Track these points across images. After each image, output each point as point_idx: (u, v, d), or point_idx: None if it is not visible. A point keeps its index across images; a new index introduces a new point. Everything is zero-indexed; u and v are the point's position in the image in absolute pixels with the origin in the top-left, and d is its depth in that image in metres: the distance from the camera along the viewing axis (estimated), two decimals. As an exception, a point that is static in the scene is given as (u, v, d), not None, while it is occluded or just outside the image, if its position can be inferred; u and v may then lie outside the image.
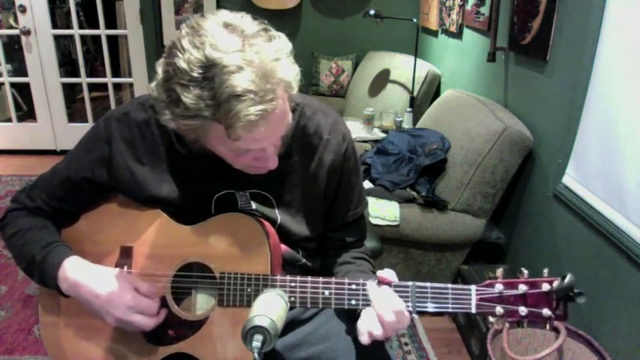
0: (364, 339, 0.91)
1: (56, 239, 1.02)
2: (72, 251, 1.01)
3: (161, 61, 0.83)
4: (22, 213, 1.05)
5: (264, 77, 0.78)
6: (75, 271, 0.97)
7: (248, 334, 0.80)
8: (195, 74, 0.77)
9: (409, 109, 3.11)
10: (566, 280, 0.84)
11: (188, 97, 0.77)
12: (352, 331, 1.04)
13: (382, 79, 3.51)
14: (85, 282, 0.96)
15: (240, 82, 0.76)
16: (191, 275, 1.01)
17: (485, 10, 2.60)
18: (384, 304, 0.91)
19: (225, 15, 0.83)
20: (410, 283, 0.93)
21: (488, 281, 0.90)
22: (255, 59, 0.77)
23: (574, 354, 1.60)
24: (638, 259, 1.42)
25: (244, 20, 0.82)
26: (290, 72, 0.83)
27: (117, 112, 1.03)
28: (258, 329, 0.80)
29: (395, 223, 2.07)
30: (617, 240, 1.50)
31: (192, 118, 0.79)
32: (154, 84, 0.84)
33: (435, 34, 3.51)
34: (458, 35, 3.03)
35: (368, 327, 0.91)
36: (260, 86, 0.77)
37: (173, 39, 0.82)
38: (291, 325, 1.09)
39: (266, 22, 0.84)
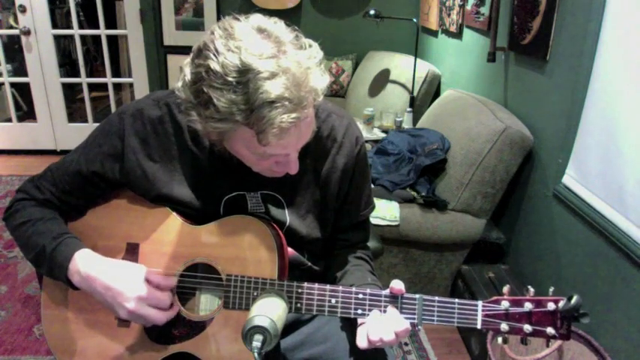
0: (362, 344, 0.90)
1: (67, 231, 1.02)
2: (83, 244, 1.00)
3: (188, 61, 0.82)
4: (31, 203, 1.05)
5: (298, 85, 0.78)
6: (87, 263, 0.96)
7: (248, 334, 0.80)
8: (229, 78, 0.76)
9: (409, 109, 3.11)
10: (573, 301, 0.85)
11: (221, 101, 0.76)
12: (352, 332, 1.04)
13: (382, 79, 3.51)
14: (97, 275, 0.95)
15: (275, 89, 0.75)
16: (197, 276, 1.01)
17: (485, 10, 2.60)
18: (385, 325, 0.89)
19: (259, 19, 0.82)
20: (417, 296, 0.92)
21: (494, 298, 0.90)
22: (290, 67, 0.77)
23: (574, 354, 1.61)
24: (638, 259, 1.42)
25: (278, 26, 0.82)
26: (320, 81, 0.83)
27: (131, 107, 1.02)
28: (258, 329, 0.80)
29: (395, 223, 2.07)
30: (617, 240, 1.50)
31: (222, 121, 0.79)
32: (179, 84, 0.83)
33: (435, 34, 3.51)
34: (458, 35, 3.03)
35: (370, 334, 0.90)
36: (294, 94, 0.77)
37: (204, 39, 0.80)
38: (292, 326, 1.09)
39: (297, 28, 0.84)
